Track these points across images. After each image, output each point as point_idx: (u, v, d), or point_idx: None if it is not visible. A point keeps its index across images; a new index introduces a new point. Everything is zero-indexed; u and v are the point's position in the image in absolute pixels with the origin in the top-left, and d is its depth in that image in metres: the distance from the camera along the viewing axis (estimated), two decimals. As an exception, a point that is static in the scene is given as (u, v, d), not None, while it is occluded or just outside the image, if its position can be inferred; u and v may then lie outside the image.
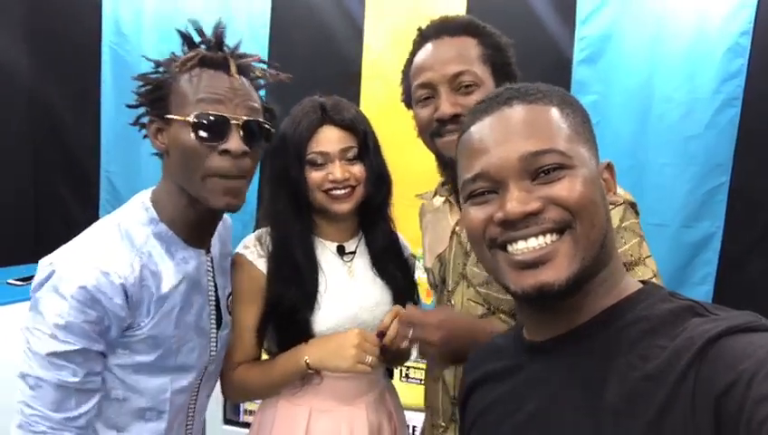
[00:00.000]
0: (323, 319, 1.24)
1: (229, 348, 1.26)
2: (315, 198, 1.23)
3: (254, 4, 2.52)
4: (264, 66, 1.12)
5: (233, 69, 1.03)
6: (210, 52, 1.04)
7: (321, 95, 1.28)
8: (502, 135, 0.68)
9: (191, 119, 0.99)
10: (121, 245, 1.02)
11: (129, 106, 1.09)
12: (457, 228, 1.19)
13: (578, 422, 0.62)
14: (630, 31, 2.20)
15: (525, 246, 0.65)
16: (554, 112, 0.68)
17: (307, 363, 1.19)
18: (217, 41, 1.06)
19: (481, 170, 0.68)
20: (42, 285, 0.98)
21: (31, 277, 2.20)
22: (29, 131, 2.80)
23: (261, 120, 1.06)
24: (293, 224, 1.25)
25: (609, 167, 0.71)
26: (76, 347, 0.96)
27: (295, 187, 1.22)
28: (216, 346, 1.20)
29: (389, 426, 1.34)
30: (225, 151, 1.00)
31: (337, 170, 1.20)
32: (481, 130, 0.70)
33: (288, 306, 1.22)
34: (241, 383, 1.26)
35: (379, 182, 1.27)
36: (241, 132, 1.01)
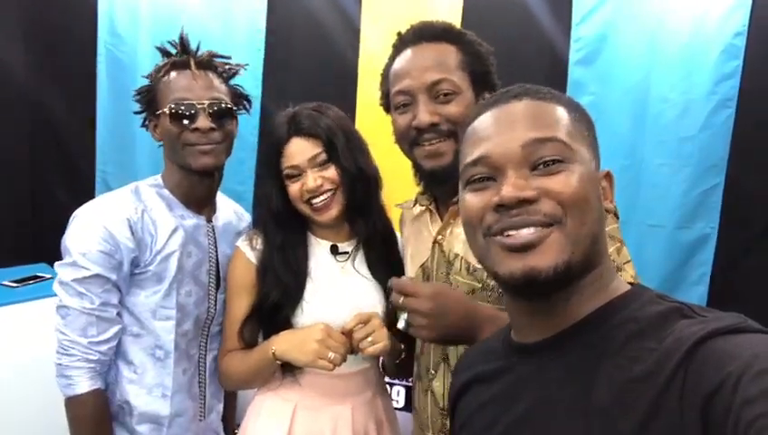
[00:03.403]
0: (309, 317, 1.25)
1: (223, 336, 1.39)
2: (300, 209, 1.27)
3: (250, 5, 2.51)
4: (226, 61, 1.38)
5: (193, 66, 1.31)
6: (178, 57, 1.32)
7: (297, 105, 1.32)
8: (506, 124, 0.69)
9: (167, 110, 1.28)
10: (130, 196, 1.32)
11: (136, 112, 1.38)
12: (439, 238, 1.17)
13: (567, 425, 0.62)
14: (626, 31, 2.21)
15: (517, 234, 0.65)
16: (560, 110, 0.70)
17: (273, 354, 1.21)
18: (182, 47, 1.33)
19: (482, 154, 0.69)
20: (69, 227, 1.27)
21: (26, 279, 2.21)
22: (26, 133, 2.79)
23: (223, 101, 1.31)
24: (277, 234, 1.29)
25: (609, 176, 0.72)
26: (93, 273, 1.22)
27: (275, 200, 1.28)
28: (216, 305, 1.41)
29: (377, 433, 1.33)
30: (196, 129, 1.27)
31: (309, 179, 1.24)
32: (487, 118, 0.72)
33: (271, 305, 1.25)
34: (226, 370, 1.34)
35: (357, 180, 1.27)
36: (207, 113, 1.28)
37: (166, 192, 1.36)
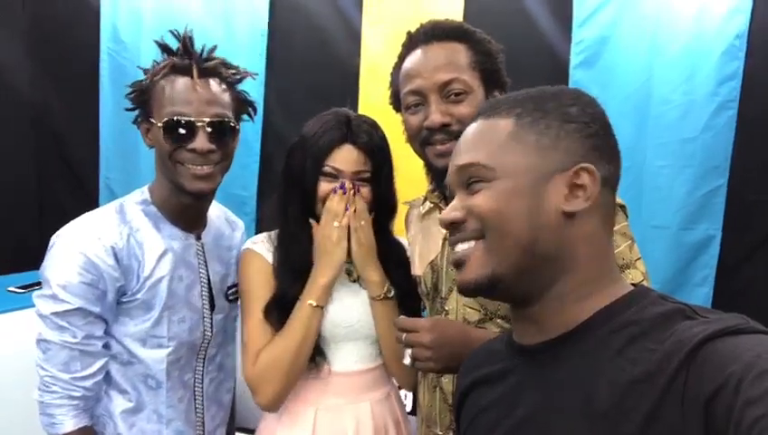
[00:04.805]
0: (324, 318, 1.26)
1: (245, 347, 1.26)
2: (320, 210, 1.26)
3: (252, 9, 2.52)
4: (231, 66, 1.24)
5: (195, 74, 1.15)
6: (180, 59, 1.17)
7: (341, 108, 1.32)
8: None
9: (161, 124, 1.14)
10: (114, 217, 1.19)
11: (128, 109, 1.24)
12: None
13: (568, 427, 0.62)
14: (627, 34, 2.21)
15: (455, 250, 0.74)
16: (502, 124, 0.70)
17: (312, 305, 1.22)
18: (185, 48, 1.17)
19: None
20: (48, 254, 1.15)
21: (32, 285, 2.21)
22: (30, 140, 2.81)
23: (226, 117, 1.18)
24: (301, 224, 1.28)
25: (581, 172, 0.67)
26: (74, 306, 1.11)
27: (307, 194, 1.26)
28: (212, 328, 1.31)
29: (396, 430, 1.34)
30: (193, 150, 1.14)
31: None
32: None
33: (292, 299, 1.24)
34: (268, 365, 1.22)
35: (382, 208, 1.30)
36: (208, 131, 1.14)
37: (153, 209, 1.23)
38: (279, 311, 1.25)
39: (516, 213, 0.67)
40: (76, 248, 1.12)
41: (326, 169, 1.24)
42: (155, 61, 1.20)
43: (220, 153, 1.18)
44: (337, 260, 1.24)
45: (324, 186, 1.25)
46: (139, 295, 1.18)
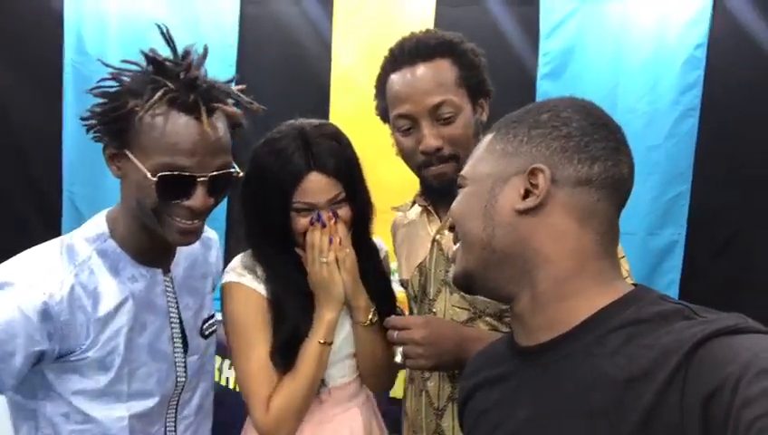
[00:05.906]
0: None
1: (250, 391, 1.16)
2: (299, 241, 1.19)
3: (222, 21, 2.51)
4: (237, 88, 1.05)
5: (204, 116, 0.90)
6: (179, 88, 0.91)
7: (299, 119, 1.22)
8: None
9: (154, 178, 0.90)
10: (57, 261, 0.96)
11: (82, 118, 0.97)
12: (438, 236, 1.19)
13: (568, 427, 0.62)
14: (592, 45, 2.27)
15: None
16: (485, 139, 0.77)
17: (322, 342, 1.17)
18: (188, 81, 0.91)
19: None
20: None
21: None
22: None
23: (230, 165, 0.98)
24: (286, 260, 1.21)
25: (536, 172, 0.68)
26: None
27: (281, 230, 1.18)
28: (186, 373, 1.13)
29: (378, 425, 1.36)
30: (188, 207, 0.94)
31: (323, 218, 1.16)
32: None
33: (304, 332, 1.19)
34: (283, 410, 1.16)
35: (363, 217, 1.25)
36: (208, 187, 0.94)
37: (111, 246, 1.01)
38: (287, 352, 1.18)
39: (473, 213, 0.72)
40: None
41: (297, 205, 1.14)
42: (137, 72, 0.95)
43: (215, 203, 0.99)
44: (337, 295, 1.18)
45: (301, 221, 1.16)
46: (90, 353, 0.97)
